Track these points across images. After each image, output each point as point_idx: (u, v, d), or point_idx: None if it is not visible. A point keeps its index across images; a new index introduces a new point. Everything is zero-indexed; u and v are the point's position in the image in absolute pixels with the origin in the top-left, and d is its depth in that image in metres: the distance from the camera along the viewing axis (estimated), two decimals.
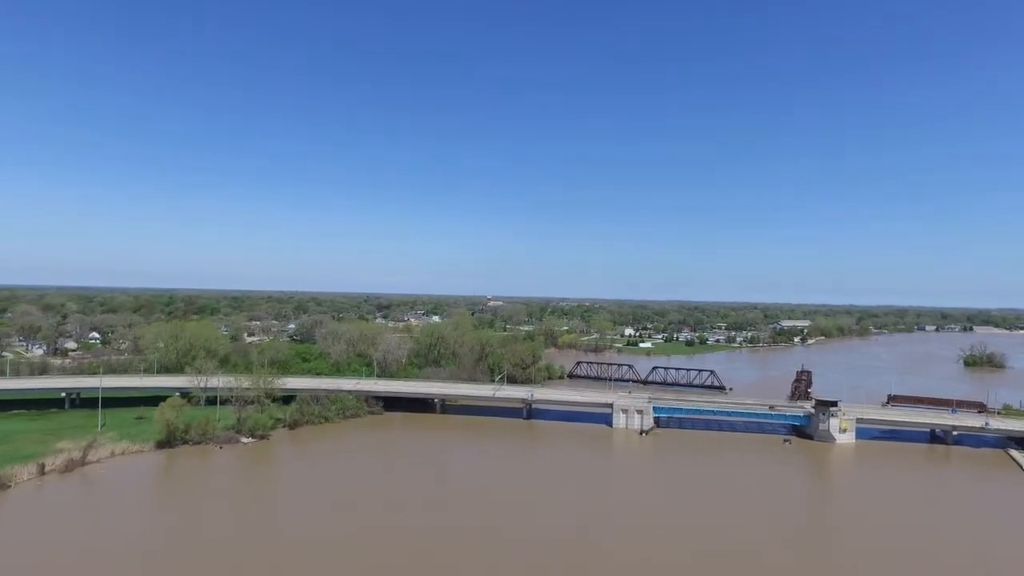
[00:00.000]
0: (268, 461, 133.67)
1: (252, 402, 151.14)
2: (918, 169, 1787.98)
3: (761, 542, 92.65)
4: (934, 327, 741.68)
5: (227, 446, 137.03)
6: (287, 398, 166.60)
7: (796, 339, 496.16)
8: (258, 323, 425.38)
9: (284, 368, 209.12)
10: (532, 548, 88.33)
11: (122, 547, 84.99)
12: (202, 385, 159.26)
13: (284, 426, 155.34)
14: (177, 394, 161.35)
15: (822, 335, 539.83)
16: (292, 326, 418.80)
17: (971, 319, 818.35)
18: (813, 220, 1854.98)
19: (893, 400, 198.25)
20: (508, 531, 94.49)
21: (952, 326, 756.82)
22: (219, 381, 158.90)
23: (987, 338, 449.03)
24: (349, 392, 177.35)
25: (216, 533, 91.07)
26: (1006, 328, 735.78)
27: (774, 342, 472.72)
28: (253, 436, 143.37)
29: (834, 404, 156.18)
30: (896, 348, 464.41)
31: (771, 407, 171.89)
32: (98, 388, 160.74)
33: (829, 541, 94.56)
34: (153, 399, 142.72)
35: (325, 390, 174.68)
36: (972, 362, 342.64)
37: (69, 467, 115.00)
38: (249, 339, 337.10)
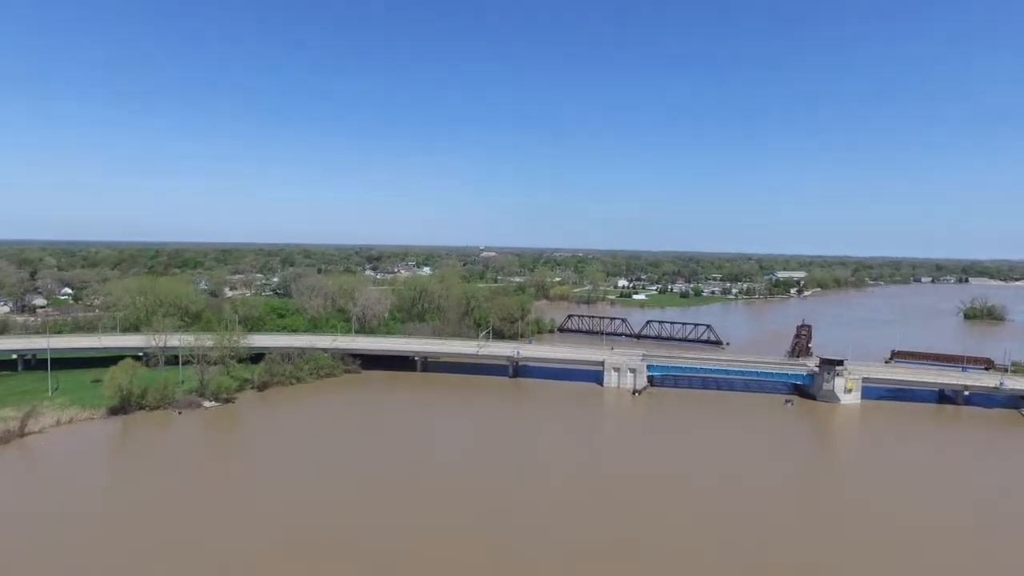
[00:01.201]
0: (232, 427, 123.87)
1: (216, 363, 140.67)
2: (913, 119, 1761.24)
3: (763, 509, 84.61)
4: (930, 279, 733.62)
5: (188, 411, 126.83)
6: (258, 357, 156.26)
7: (792, 291, 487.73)
8: (240, 276, 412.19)
9: (258, 325, 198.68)
10: (517, 517, 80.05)
11: (51, 530, 75.29)
12: (160, 345, 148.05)
13: (252, 388, 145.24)
14: (140, 354, 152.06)
15: (818, 287, 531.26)
16: (276, 279, 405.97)
17: (966, 270, 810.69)
18: (809, 166, 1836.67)
19: (897, 356, 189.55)
20: (490, 500, 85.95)
21: (947, 277, 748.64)
22: (179, 340, 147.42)
23: (985, 290, 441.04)
24: (324, 350, 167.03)
25: (168, 511, 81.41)
26: (1001, 279, 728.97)
27: (770, 294, 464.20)
28: (217, 400, 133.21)
29: (840, 363, 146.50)
30: (894, 300, 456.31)
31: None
32: (53, 350, 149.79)
33: (836, 506, 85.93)
34: (114, 360, 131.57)
35: (298, 348, 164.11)
36: (972, 315, 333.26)
37: (5, 438, 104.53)
38: (231, 293, 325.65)
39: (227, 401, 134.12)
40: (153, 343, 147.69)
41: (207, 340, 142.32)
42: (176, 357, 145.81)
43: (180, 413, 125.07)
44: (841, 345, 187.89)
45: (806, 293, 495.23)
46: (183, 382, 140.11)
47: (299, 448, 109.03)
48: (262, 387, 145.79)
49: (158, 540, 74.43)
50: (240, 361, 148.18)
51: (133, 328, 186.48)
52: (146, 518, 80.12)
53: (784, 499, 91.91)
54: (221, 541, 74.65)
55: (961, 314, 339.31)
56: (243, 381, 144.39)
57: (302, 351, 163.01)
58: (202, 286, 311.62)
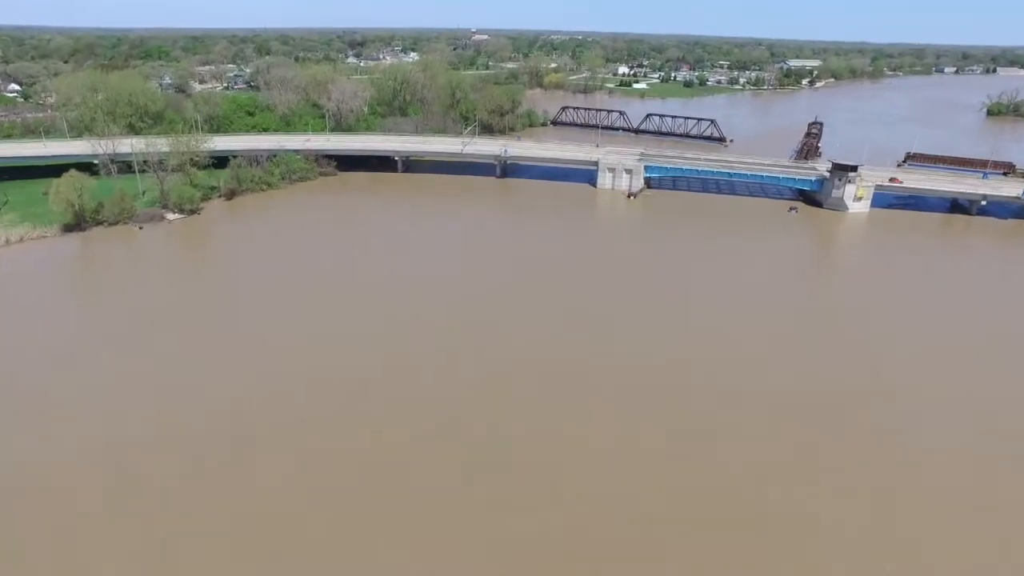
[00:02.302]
0: (200, 240, 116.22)
1: (177, 170, 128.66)
2: None
3: (760, 322, 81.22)
4: (954, 69, 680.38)
5: (150, 225, 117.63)
6: (224, 163, 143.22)
7: (804, 81, 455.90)
8: (210, 68, 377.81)
9: (224, 124, 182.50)
10: (501, 332, 76.03)
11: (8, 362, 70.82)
12: (108, 152, 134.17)
13: (219, 196, 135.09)
14: (95, 162, 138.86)
15: (832, 77, 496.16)
16: (249, 70, 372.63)
17: (995, 59, 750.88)
18: None
19: (911, 159, 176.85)
20: (476, 315, 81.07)
21: (973, 68, 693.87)
22: (131, 146, 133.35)
23: (1014, 82, 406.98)
24: (296, 152, 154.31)
25: (137, 334, 76.33)
26: None
27: (780, 85, 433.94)
28: (181, 211, 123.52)
29: (853, 169, 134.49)
30: (913, 93, 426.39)
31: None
32: None
33: (836, 324, 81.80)
34: (68, 169, 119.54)
35: (266, 150, 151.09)
36: (997, 111, 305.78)
37: None
38: (199, 87, 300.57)
39: (192, 212, 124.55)
40: (100, 150, 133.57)
41: (162, 144, 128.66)
42: (129, 165, 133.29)
43: (141, 228, 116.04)
44: (852, 145, 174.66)
45: (818, 84, 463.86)
46: (144, 193, 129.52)
47: (275, 260, 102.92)
48: (230, 195, 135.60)
49: (131, 365, 70.37)
50: (204, 168, 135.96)
51: (89, 131, 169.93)
52: (116, 344, 75.16)
53: (782, 313, 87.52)
54: (199, 365, 70.85)
55: (985, 110, 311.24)
56: (209, 189, 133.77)
57: (272, 154, 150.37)
58: (166, 81, 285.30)
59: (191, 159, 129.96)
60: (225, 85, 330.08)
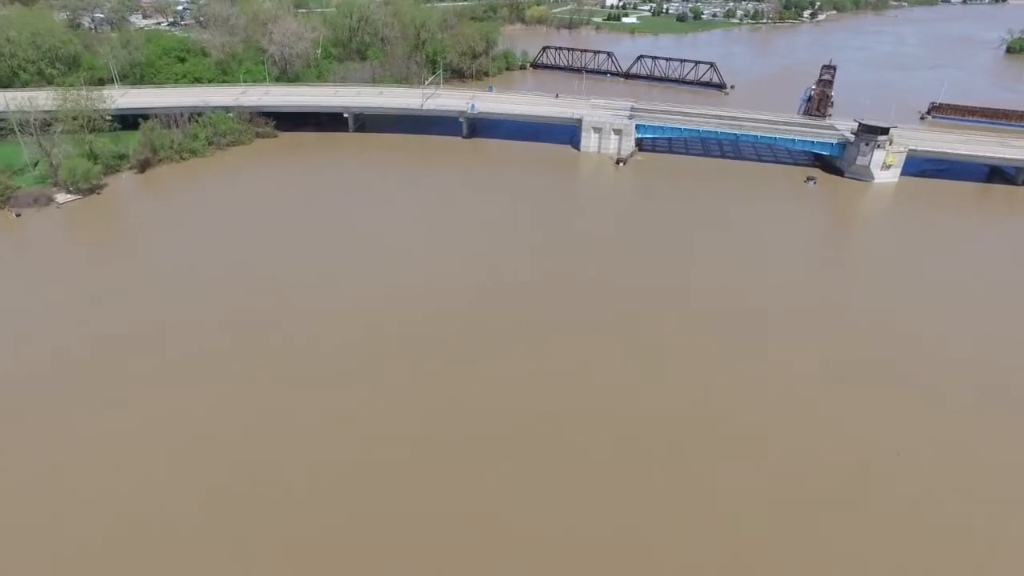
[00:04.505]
0: (92, 232, 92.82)
1: (75, 133, 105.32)
2: None
3: (774, 327, 63.08)
4: (961, 0, 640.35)
5: (32, 211, 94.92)
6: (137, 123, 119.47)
7: (805, 14, 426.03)
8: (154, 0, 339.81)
9: (150, 73, 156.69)
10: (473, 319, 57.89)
11: None
12: None
13: (129, 168, 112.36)
14: None
15: (835, 9, 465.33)
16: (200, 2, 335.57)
17: None
18: None
19: (936, 111, 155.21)
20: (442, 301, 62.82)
21: None
22: (5, 102, 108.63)
23: None
24: (226, 109, 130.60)
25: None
26: None
27: (780, 18, 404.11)
28: (77, 190, 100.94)
29: (884, 132, 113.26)
30: (921, 27, 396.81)
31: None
32: None
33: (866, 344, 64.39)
34: None
35: (189, 107, 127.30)
36: (1019, 47, 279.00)
37: None
38: (143, 23, 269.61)
39: (91, 191, 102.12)
40: None
41: (44, 100, 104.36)
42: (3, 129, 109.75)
43: (19, 215, 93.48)
44: (864, 91, 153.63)
45: (820, 17, 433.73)
46: (36, 165, 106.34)
47: (197, 256, 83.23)
48: (142, 167, 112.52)
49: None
50: (108, 131, 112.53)
51: None
52: None
53: (803, 322, 70.13)
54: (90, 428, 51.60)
55: (1004, 47, 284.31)
56: (116, 159, 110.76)
57: (196, 112, 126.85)
58: (98, 15, 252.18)
59: (87, 121, 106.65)
60: (171, 21, 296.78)
